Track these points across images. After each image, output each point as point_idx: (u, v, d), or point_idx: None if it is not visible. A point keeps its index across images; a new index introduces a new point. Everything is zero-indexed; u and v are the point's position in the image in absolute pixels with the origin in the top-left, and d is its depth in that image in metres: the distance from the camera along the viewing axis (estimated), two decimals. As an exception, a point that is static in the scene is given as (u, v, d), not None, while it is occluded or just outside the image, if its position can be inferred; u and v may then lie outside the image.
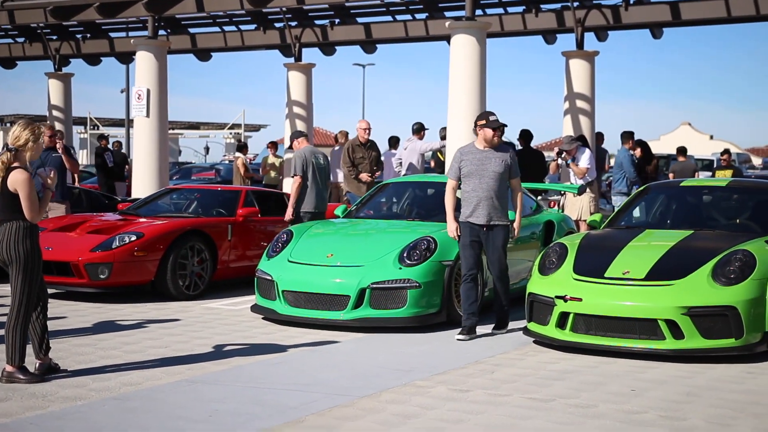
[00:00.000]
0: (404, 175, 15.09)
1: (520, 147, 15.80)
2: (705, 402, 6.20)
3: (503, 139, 15.39)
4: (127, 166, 21.12)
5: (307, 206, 11.26)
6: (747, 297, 7.37)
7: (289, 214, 11.25)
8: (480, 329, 8.80)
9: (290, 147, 12.79)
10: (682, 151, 18.25)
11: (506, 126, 8.68)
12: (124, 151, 23.89)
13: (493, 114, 8.69)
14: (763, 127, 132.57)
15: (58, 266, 10.27)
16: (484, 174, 8.50)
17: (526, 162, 15.30)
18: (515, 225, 8.70)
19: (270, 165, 20.58)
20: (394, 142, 17.55)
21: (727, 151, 18.29)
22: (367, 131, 14.60)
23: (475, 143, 8.69)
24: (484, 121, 8.62)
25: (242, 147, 21.05)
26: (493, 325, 8.76)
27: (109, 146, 22.03)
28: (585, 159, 13.70)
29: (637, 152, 15.99)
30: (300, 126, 21.27)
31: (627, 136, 15.72)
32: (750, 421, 5.75)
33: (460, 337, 8.33)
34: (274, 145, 21.35)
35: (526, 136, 15.93)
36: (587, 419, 5.75)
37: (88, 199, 14.37)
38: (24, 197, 6.51)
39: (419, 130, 15.85)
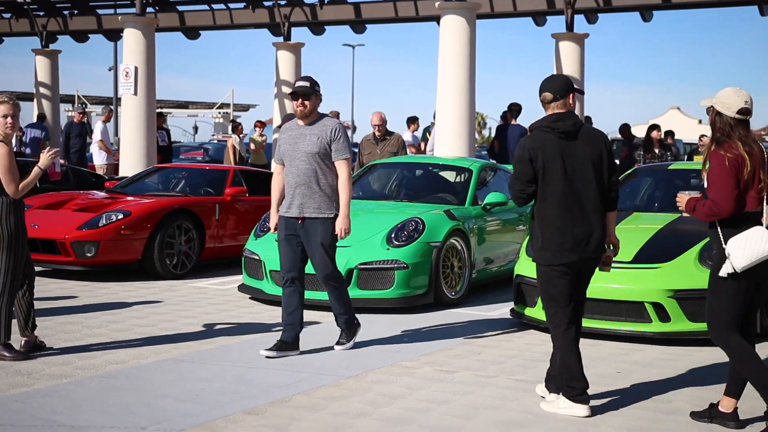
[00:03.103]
0: None
1: (512, 123, 15.79)
2: (690, 385, 6.23)
3: (518, 122, 15.31)
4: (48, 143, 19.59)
5: None
6: (733, 280, 7.38)
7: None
8: (467, 311, 8.83)
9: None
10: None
11: (313, 93, 6.95)
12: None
13: (301, 79, 7.07)
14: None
15: (44, 244, 10.24)
16: (296, 155, 6.97)
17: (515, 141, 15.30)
18: (340, 219, 6.96)
19: (255, 143, 20.44)
20: (411, 121, 17.10)
21: (705, 135, 18.37)
22: (378, 127, 12.44)
23: (298, 119, 7.13)
24: (291, 89, 7.07)
25: (236, 127, 20.78)
26: (475, 307, 8.70)
27: (165, 125, 20.03)
28: None
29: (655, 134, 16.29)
30: (289, 107, 21.18)
31: None
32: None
33: (269, 354, 6.82)
34: (261, 125, 21.27)
35: (515, 109, 15.82)
36: (573, 401, 5.76)
37: (75, 177, 14.30)
38: (2, 171, 6.45)
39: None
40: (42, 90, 24.33)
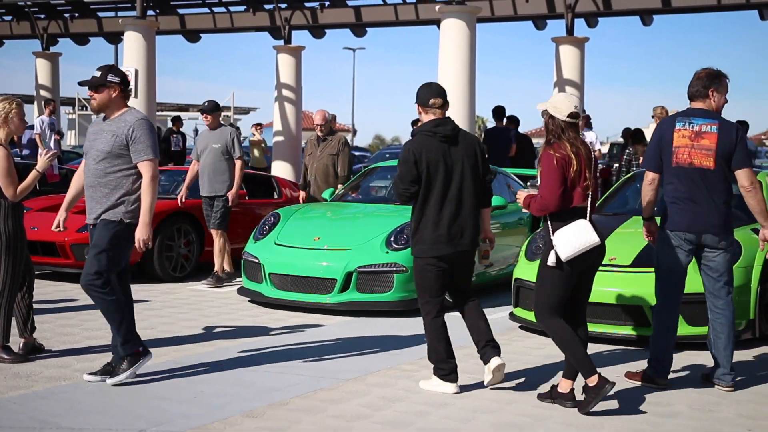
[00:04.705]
0: None
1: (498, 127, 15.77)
2: (689, 388, 6.23)
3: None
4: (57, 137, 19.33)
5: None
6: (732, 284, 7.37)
7: (236, 199, 10.45)
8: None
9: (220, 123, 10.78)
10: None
11: (103, 84, 6.08)
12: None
13: (97, 69, 6.19)
14: (752, 116, 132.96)
15: (44, 246, 10.23)
16: (90, 154, 6.15)
17: (519, 147, 15.24)
18: (139, 228, 5.99)
19: (256, 144, 20.45)
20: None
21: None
22: (320, 127, 11.55)
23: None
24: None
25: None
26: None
27: (182, 129, 20.27)
28: (595, 139, 13.98)
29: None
30: (289, 109, 21.20)
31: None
32: (733, 408, 5.78)
33: (89, 378, 6.05)
34: (259, 127, 21.29)
35: (498, 113, 15.79)
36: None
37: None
38: (0, 174, 6.45)
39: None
40: (43, 93, 24.33)
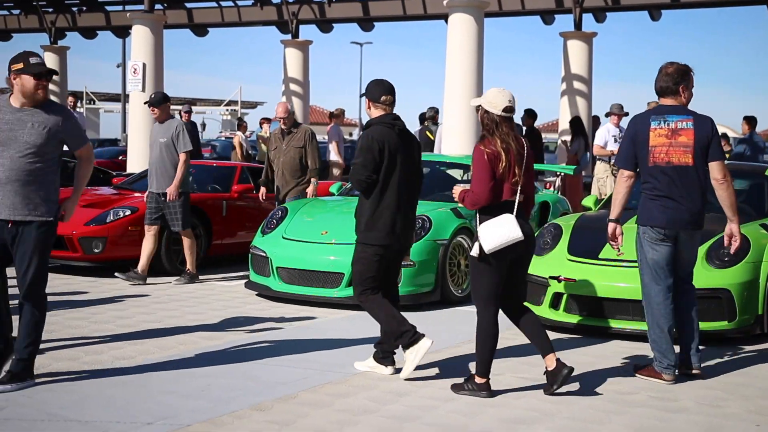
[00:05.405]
0: None
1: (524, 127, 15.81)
2: (696, 384, 6.22)
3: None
4: None
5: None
6: (740, 280, 7.37)
7: (175, 194, 9.95)
8: (473, 309, 8.82)
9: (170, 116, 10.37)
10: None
11: (56, 73, 6.06)
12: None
13: (36, 55, 5.74)
14: (760, 112, 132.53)
15: (52, 240, 10.24)
16: (11, 145, 5.64)
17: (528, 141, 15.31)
18: (68, 202, 5.96)
19: (262, 138, 20.48)
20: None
21: (724, 136, 18.38)
22: (283, 120, 10.76)
23: (11, 98, 5.75)
24: (21, 65, 5.65)
25: (240, 124, 20.93)
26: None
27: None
28: None
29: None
30: (296, 104, 21.20)
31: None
32: (740, 403, 5.77)
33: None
34: (268, 122, 21.30)
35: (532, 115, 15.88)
36: (579, 399, 5.77)
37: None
38: None
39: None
40: (50, 86, 24.38)
